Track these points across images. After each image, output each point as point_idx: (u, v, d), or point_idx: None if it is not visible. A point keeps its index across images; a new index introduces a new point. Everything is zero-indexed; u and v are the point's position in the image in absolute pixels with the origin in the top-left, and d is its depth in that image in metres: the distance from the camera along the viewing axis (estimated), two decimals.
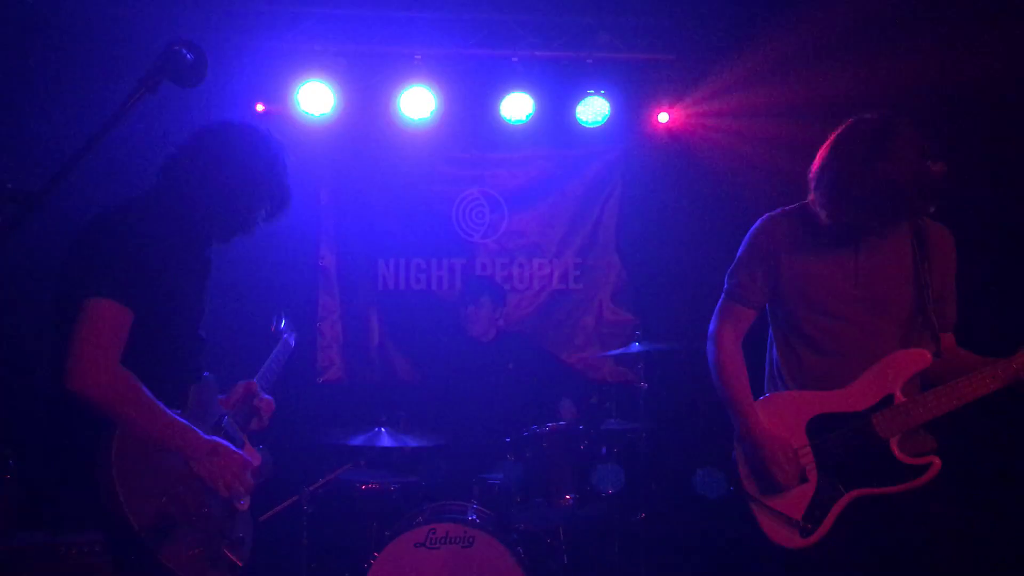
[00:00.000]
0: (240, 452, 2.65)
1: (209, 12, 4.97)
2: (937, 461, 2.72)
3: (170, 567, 2.31)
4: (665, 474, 5.04)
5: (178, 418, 2.44)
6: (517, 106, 5.76)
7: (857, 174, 2.69)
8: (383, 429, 4.44)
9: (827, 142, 2.84)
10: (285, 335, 3.42)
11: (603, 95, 5.80)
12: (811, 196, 2.88)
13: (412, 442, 4.45)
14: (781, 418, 2.89)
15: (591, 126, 5.91)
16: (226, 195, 2.62)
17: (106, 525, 2.31)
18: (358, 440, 4.41)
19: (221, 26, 5.06)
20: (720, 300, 3.13)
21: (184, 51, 2.19)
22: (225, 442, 2.60)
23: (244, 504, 2.69)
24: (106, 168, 3.12)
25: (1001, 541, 3.74)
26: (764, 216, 3.06)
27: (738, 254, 3.08)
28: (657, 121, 5.99)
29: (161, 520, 2.32)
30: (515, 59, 5.70)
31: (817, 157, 2.86)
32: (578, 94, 5.84)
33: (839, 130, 2.82)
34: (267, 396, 3.06)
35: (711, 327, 3.14)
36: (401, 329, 5.94)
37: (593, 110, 5.86)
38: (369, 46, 5.63)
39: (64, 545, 3.80)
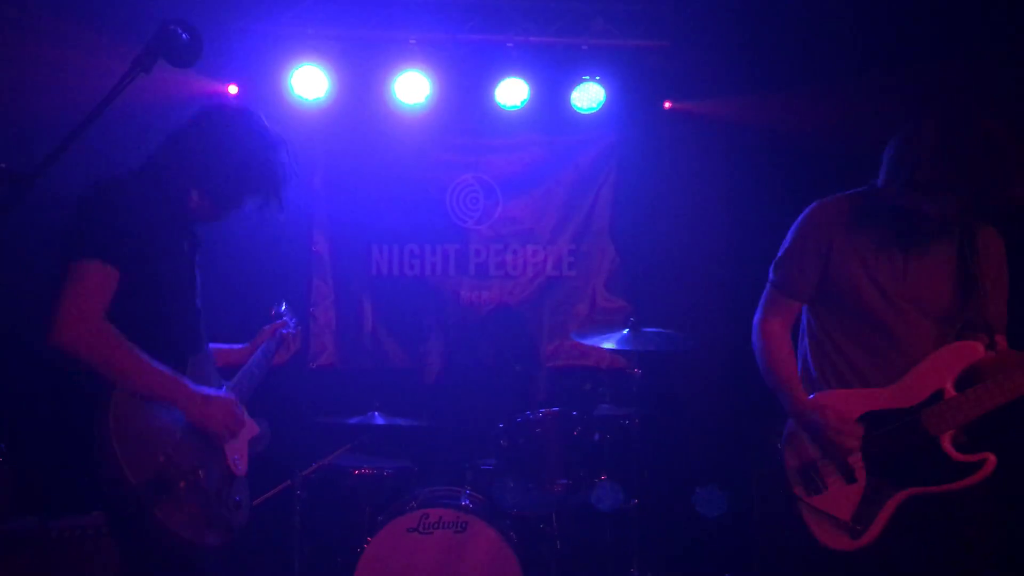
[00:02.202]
0: (222, 394, 2.69)
1: None
2: (992, 458, 2.63)
3: (165, 524, 2.34)
4: (658, 460, 5.06)
5: (167, 370, 2.48)
6: (512, 92, 5.75)
7: (980, 177, 2.52)
8: (376, 414, 4.44)
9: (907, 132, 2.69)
10: (285, 319, 3.42)
11: (598, 81, 5.79)
12: (885, 179, 2.73)
13: (405, 425, 4.45)
14: (835, 405, 2.82)
15: (586, 112, 5.90)
16: (214, 178, 2.68)
17: (103, 482, 2.31)
18: (351, 424, 4.41)
19: (215, 9, 5.02)
20: (766, 291, 3.04)
21: (179, 30, 2.18)
22: (217, 392, 2.67)
23: (242, 469, 2.74)
24: (101, 148, 3.10)
25: None
26: (815, 203, 2.95)
27: (786, 243, 2.97)
28: (652, 107, 5.97)
29: (157, 477, 2.36)
30: (510, 44, 5.67)
31: (892, 143, 2.72)
32: (573, 80, 5.82)
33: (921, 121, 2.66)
34: (297, 328, 3.37)
35: (757, 317, 3.05)
36: (394, 315, 5.93)
37: (588, 96, 5.84)
38: (363, 30, 5.59)
39: (57, 529, 3.80)
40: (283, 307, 3.50)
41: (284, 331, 3.29)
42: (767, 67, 5.35)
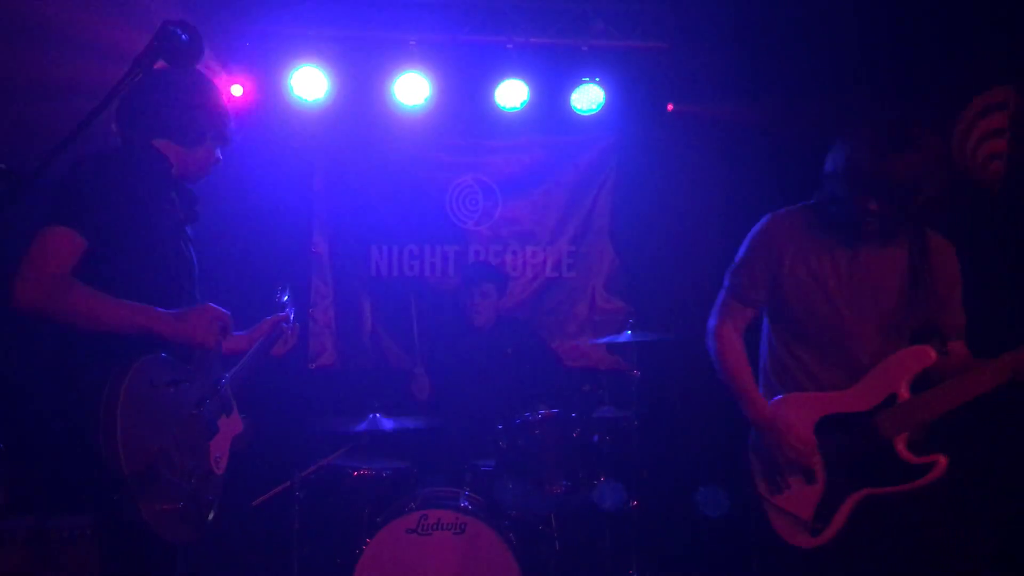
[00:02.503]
0: (195, 308, 2.62)
1: None
2: (942, 459, 2.72)
3: (145, 518, 2.33)
4: (657, 462, 5.05)
5: (133, 303, 2.47)
6: (511, 93, 5.75)
7: (879, 164, 2.69)
8: (375, 415, 4.44)
9: (846, 136, 2.85)
10: (288, 309, 3.42)
11: (598, 83, 5.79)
12: (818, 195, 2.91)
13: (404, 426, 4.44)
14: (791, 419, 2.90)
15: (586, 114, 5.90)
16: (175, 118, 2.73)
17: (96, 465, 2.28)
18: (350, 425, 4.41)
19: (214, 9, 5.02)
20: (720, 296, 3.15)
21: (179, 31, 2.18)
22: (189, 309, 2.61)
23: (222, 467, 2.72)
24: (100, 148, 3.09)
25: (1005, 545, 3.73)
26: (767, 215, 3.08)
27: (740, 252, 3.09)
28: (652, 109, 5.98)
29: (148, 470, 2.35)
30: (510, 46, 5.67)
31: (833, 152, 2.86)
32: (573, 82, 5.82)
33: (857, 126, 2.83)
34: (295, 323, 3.35)
35: (710, 323, 3.15)
36: (394, 316, 5.93)
37: (588, 98, 5.84)
38: (363, 31, 5.59)
39: (54, 529, 3.79)
40: (286, 296, 3.47)
41: (284, 324, 3.28)
42: (766, 69, 5.35)
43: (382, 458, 4.59)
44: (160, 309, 2.51)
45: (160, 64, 2.26)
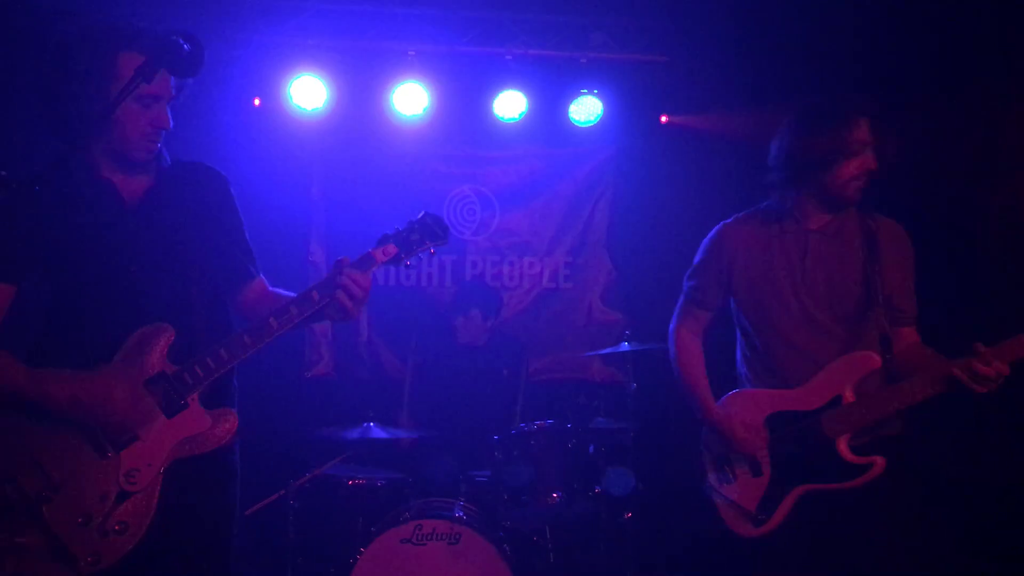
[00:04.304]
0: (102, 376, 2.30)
1: (203, 5, 4.95)
2: (880, 461, 2.82)
3: None
4: (652, 474, 5.05)
5: (38, 374, 2.27)
6: (510, 104, 5.77)
7: (808, 142, 2.91)
8: (371, 424, 4.44)
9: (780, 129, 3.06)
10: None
11: (596, 95, 5.81)
12: (769, 190, 3.10)
13: (400, 436, 4.44)
14: (740, 414, 3.03)
15: (584, 126, 5.92)
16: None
17: None
18: (345, 435, 4.41)
19: (215, 19, 5.04)
20: (679, 301, 3.29)
21: (181, 41, 2.18)
22: (94, 389, 2.28)
23: (140, 483, 2.28)
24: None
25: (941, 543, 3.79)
26: (719, 224, 3.23)
27: (696, 259, 3.25)
28: (651, 121, 6.00)
29: None
30: (509, 57, 5.69)
31: (773, 143, 3.08)
32: (571, 93, 5.84)
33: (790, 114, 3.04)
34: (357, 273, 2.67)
35: (671, 326, 3.31)
36: (390, 325, 5.93)
37: (586, 110, 5.86)
38: (363, 41, 5.61)
39: None
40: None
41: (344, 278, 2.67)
42: (764, 81, 5.37)
43: (377, 467, 4.59)
44: (59, 385, 2.27)
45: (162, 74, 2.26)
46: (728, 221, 3.21)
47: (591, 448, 4.41)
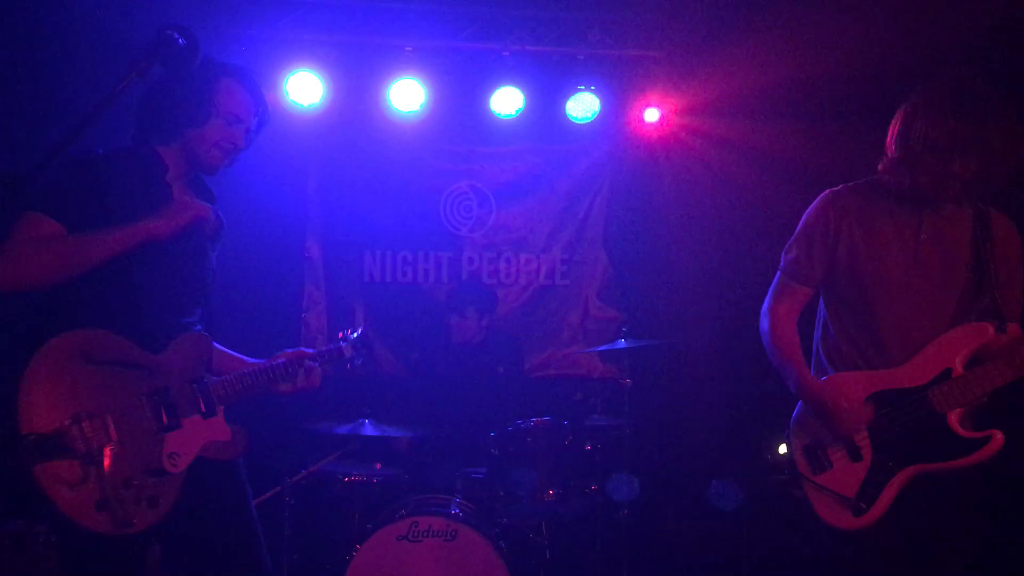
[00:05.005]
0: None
1: (199, 0, 4.93)
2: (999, 434, 2.64)
3: (40, 483, 2.28)
4: (649, 471, 5.06)
5: (112, 230, 2.48)
6: (507, 100, 5.75)
7: (939, 126, 2.63)
8: (367, 421, 4.43)
9: (910, 102, 2.77)
10: (343, 343, 3.22)
11: (593, 91, 5.79)
12: (883, 165, 2.82)
13: (396, 433, 4.44)
14: (843, 391, 2.84)
15: (581, 122, 5.90)
16: (154, 129, 2.72)
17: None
18: (342, 431, 4.40)
19: (210, 14, 5.02)
20: (776, 278, 3.06)
21: (176, 36, 2.17)
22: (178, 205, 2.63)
23: (179, 466, 2.55)
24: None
25: None
26: (826, 192, 2.98)
27: (798, 229, 3.00)
28: (647, 118, 5.99)
29: (52, 436, 2.31)
30: (506, 53, 5.68)
31: (897, 116, 2.79)
32: (568, 90, 5.82)
33: (923, 89, 2.75)
34: (317, 368, 2.98)
35: (765, 304, 3.07)
36: (386, 321, 5.92)
37: (583, 106, 5.84)
38: (360, 37, 5.59)
39: (44, 532, 3.77)
40: (353, 335, 3.26)
41: (306, 362, 2.95)
42: (762, 78, 5.36)
43: (373, 464, 4.58)
44: (137, 224, 2.51)
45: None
46: (837, 189, 2.96)
47: (587, 445, 4.41)
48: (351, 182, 5.94)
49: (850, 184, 2.96)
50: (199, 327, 2.74)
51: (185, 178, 2.78)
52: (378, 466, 4.52)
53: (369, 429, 4.39)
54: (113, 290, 2.52)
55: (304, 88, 5.54)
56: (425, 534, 4.00)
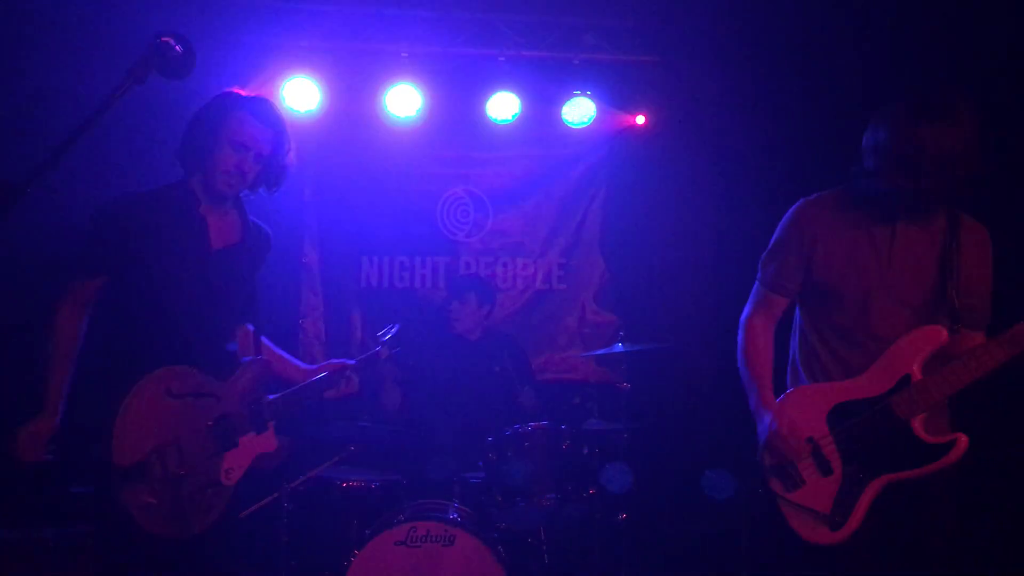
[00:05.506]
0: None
1: (195, 6, 4.94)
2: (963, 438, 2.64)
3: (127, 504, 2.64)
4: (646, 474, 5.05)
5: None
6: (503, 105, 5.76)
7: (911, 136, 2.63)
8: (365, 426, 4.43)
9: (880, 112, 2.77)
10: (378, 348, 3.53)
11: (589, 96, 5.81)
12: (856, 174, 2.81)
13: (393, 438, 4.44)
14: (800, 412, 2.85)
15: (577, 127, 5.92)
16: (182, 161, 2.98)
17: (94, 451, 2.64)
18: (340, 437, 4.40)
19: (207, 20, 5.02)
20: (754, 288, 3.07)
21: (173, 43, 2.19)
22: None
23: (233, 479, 2.90)
24: (89, 159, 3.14)
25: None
26: (799, 201, 2.98)
27: (772, 240, 3.01)
28: (644, 122, 6.00)
29: (138, 464, 2.67)
30: (502, 59, 5.69)
31: (869, 127, 2.79)
32: (564, 95, 5.84)
33: (893, 99, 2.76)
34: (355, 377, 3.41)
35: (743, 314, 3.08)
36: (383, 327, 5.89)
37: (579, 111, 5.86)
38: (356, 43, 5.60)
39: (51, 539, 3.78)
40: (389, 335, 3.58)
41: (347, 373, 3.35)
42: (757, 83, 5.38)
43: (371, 470, 4.58)
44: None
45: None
46: (810, 198, 2.96)
47: (585, 449, 4.42)
48: (348, 188, 5.95)
49: (823, 193, 2.97)
50: (240, 351, 3.07)
51: (221, 208, 3.00)
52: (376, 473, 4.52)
53: (367, 434, 4.39)
54: (169, 330, 2.83)
55: (301, 94, 5.55)
56: (423, 539, 4.00)
